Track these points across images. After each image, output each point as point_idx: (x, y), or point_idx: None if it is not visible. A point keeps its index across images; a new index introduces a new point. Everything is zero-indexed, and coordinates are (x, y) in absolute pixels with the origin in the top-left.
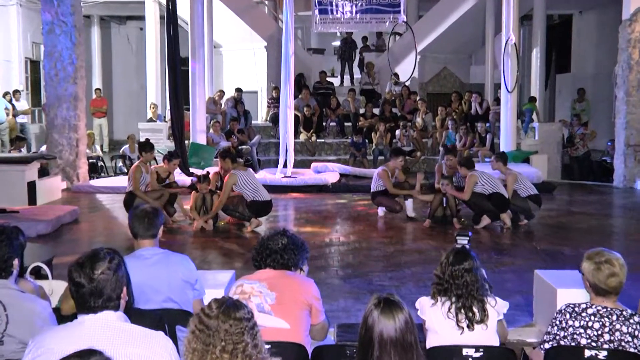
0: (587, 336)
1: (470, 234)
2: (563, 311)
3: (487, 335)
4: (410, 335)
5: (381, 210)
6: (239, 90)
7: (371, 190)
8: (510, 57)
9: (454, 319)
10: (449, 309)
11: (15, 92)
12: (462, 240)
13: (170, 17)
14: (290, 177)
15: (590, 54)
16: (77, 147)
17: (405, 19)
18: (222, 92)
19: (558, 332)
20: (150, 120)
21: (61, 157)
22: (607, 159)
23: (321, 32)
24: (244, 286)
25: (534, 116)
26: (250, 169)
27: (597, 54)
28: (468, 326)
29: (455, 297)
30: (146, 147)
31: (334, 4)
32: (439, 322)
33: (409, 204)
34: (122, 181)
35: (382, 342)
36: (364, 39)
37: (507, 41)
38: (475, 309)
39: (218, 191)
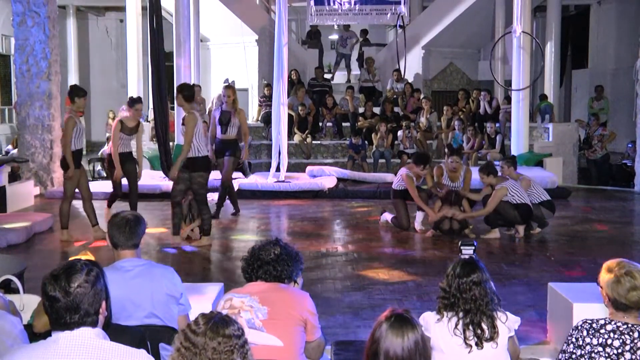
0: (606, 355)
1: (475, 243)
2: (580, 327)
3: (497, 353)
4: (420, 358)
5: (383, 218)
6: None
7: (392, 187)
8: (523, 50)
9: (461, 336)
10: (456, 325)
11: None
12: (468, 250)
13: (153, 8)
14: (283, 181)
15: (609, 48)
16: (51, 149)
17: (404, 12)
18: (198, 87)
19: (574, 351)
20: None
21: (34, 160)
22: (627, 162)
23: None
24: (234, 300)
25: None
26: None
27: (617, 48)
28: (477, 344)
29: (463, 313)
30: (79, 91)
31: None
32: (445, 339)
33: (419, 216)
34: (101, 186)
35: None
36: (364, 32)
37: (505, 34)
38: (484, 326)
39: None
